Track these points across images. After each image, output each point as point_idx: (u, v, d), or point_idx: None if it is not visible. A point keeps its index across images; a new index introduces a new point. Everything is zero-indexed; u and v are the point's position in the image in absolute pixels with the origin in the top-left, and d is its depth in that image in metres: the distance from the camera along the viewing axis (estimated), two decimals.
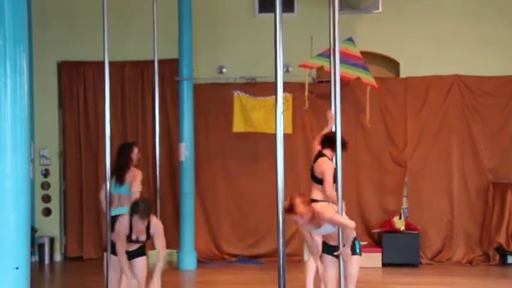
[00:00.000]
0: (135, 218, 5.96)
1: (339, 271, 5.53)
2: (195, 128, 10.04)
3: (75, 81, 10.71)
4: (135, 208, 6.02)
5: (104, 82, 6.14)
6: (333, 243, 5.60)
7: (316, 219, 5.40)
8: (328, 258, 5.71)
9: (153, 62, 8.25)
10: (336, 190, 5.53)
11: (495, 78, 10.12)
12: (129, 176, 7.21)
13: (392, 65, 10.65)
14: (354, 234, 5.53)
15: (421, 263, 9.93)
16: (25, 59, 4.21)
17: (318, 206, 5.49)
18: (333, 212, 5.45)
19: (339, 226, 5.44)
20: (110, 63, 6.25)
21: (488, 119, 10.14)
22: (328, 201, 6.09)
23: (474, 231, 10.13)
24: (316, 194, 6.80)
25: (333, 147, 5.89)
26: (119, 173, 7.19)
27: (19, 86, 4.12)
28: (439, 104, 10.21)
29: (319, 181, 6.83)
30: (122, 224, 6.10)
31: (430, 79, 10.21)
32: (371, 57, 10.04)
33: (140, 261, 6.32)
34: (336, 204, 5.51)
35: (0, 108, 4.05)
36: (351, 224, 5.48)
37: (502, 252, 9.87)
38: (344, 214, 5.64)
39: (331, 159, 6.71)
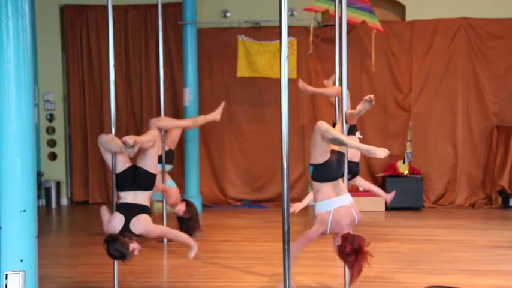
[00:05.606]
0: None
1: None
2: (199, 73, 9.99)
3: (78, 25, 10.61)
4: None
5: (108, 26, 6.08)
6: None
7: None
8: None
9: (156, 5, 8.13)
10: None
11: (503, 21, 9.99)
12: None
13: (399, 8, 10.50)
14: None
15: (424, 206, 10.01)
16: (27, 1, 4.16)
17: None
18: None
19: None
20: (113, 7, 6.15)
21: (494, 62, 10.06)
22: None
23: (477, 175, 10.18)
24: None
25: None
26: None
27: (21, 28, 4.08)
28: (445, 47, 10.11)
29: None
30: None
31: (437, 22, 10.09)
32: (377, 0, 9.90)
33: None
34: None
35: (3, 51, 4.03)
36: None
37: (505, 195, 9.94)
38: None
39: None
